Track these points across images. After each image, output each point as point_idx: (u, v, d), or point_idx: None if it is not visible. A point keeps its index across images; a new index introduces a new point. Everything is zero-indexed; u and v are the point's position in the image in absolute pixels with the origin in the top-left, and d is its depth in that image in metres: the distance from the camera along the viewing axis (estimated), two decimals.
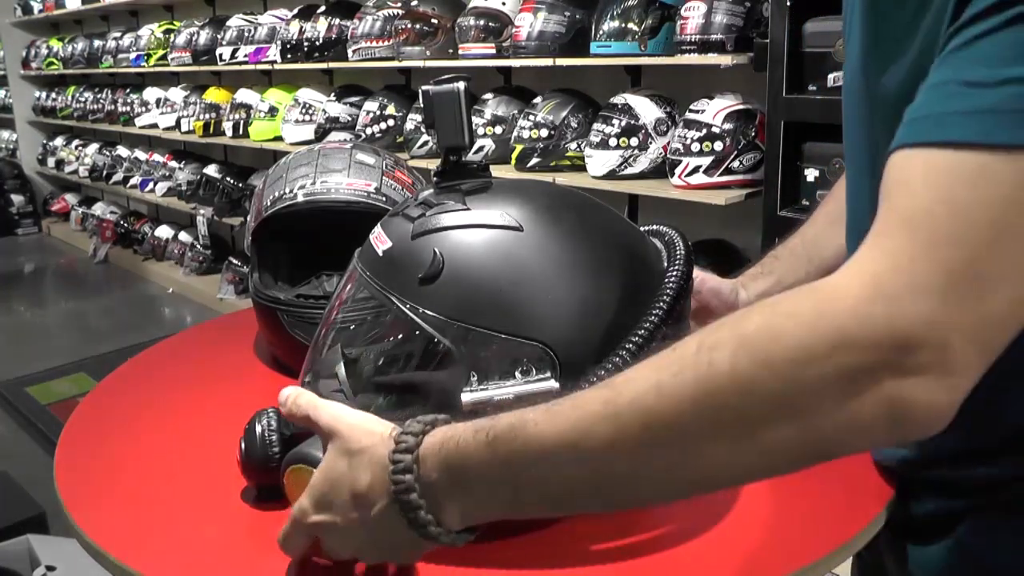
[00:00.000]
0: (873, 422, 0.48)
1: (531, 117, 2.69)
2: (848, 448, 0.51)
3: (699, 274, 0.88)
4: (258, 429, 0.75)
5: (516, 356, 0.65)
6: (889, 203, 0.51)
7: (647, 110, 2.48)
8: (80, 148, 6.39)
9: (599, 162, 2.52)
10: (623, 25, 2.47)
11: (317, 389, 0.76)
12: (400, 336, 0.71)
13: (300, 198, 1.07)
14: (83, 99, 6.07)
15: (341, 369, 0.75)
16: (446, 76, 0.73)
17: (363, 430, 0.61)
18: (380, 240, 0.72)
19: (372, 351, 0.75)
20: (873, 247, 0.50)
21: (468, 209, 0.70)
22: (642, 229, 0.80)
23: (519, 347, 0.65)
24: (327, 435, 0.63)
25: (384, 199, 1.07)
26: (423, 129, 3.05)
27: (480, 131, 2.82)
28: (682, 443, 0.51)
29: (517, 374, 0.65)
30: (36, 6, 6.52)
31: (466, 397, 0.65)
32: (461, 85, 0.72)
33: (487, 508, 0.57)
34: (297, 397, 0.67)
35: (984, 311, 0.47)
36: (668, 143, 2.45)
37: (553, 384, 0.64)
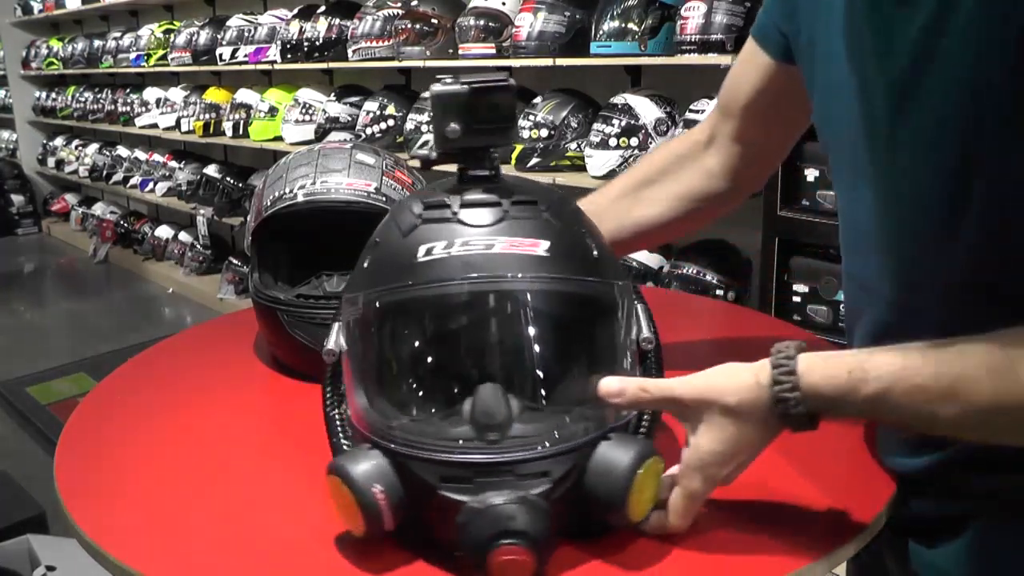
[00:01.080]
0: None
1: (531, 117, 2.69)
2: None
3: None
4: (476, 505, 0.62)
5: (631, 295, 0.75)
6: None
7: (647, 110, 2.48)
8: (80, 148, 6.39)
9: (599, 162, 2.51)
10: (623, 25, 2.47)
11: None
12: (597, 315, 0.73)
13: (300, 198, 1.07)
14: (83, 99, 6.07)
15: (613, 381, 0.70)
16: (490, 76, 0.72)
17: (733, 387, 0.66)
18: (530, 246, 0.69)
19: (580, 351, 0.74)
20: None
21: (562, 196, 0.75)
22: None
23: (629, 288, 0.75)
24: (698, 407, 0.67)
25: (384, 199, 1.07)
26: (424, 129, 3.05)
27: None
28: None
29: (637, 308, 0.75)
30: (36, 6, 6.52)
31: (644, 336, 0.74)
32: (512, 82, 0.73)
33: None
34: (643, 384, 0.68)
35: None
36: None
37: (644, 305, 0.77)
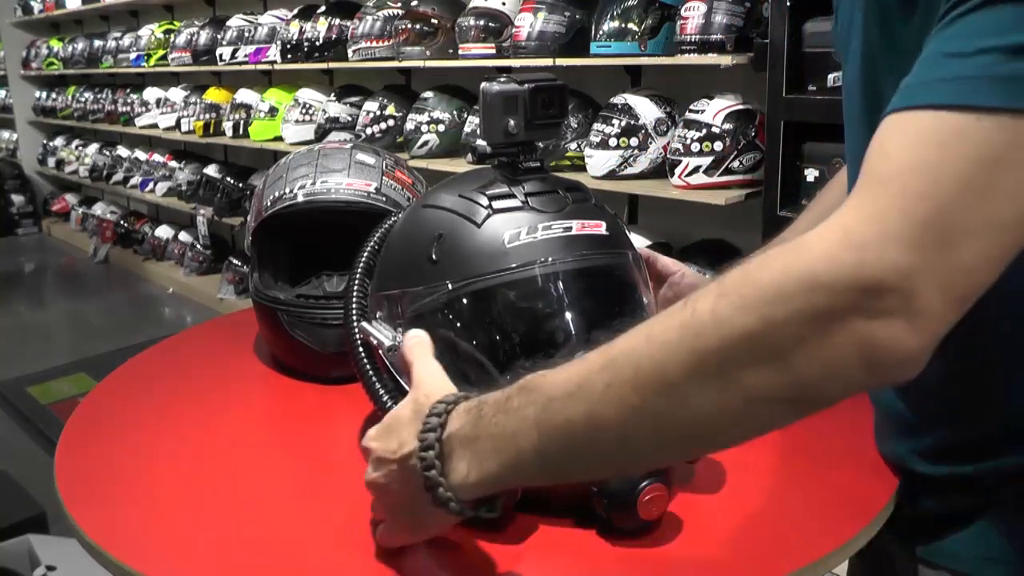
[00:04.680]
0: (846, 363, 0.51)
1: None
2: (828, 394, 0.53)
3: (681, 268, 0.98)
4: None
5: None
6: (868, 163, 0.54)
7: (647, 110, 2.48)
8: (80, 148, 6.39)
9: (599, 162, 2.52)
10: (623, 25, 2.47)
11: None
12: (641, 280, 0.82)
13: (300, 198, 1.07)
14: (83, 99, 6.07)
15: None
16: (539, 75, 0.77)
17: (440, 391, 0.65)
18: (595, 227, 0.77)
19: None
20: (847, 204, 0.53)
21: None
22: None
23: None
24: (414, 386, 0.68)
25: (384, 199, 1.07)
26: (424, 129, 3.05)
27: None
28: (669, 389, 0.53)
29: None
30: (36, 6, 6.52)
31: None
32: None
33: (492, 464, 0.59)
34: (416, 344, 0.70)
35: (951, 261, 0.49)
36: (668, 143, 2.44)
37: None
